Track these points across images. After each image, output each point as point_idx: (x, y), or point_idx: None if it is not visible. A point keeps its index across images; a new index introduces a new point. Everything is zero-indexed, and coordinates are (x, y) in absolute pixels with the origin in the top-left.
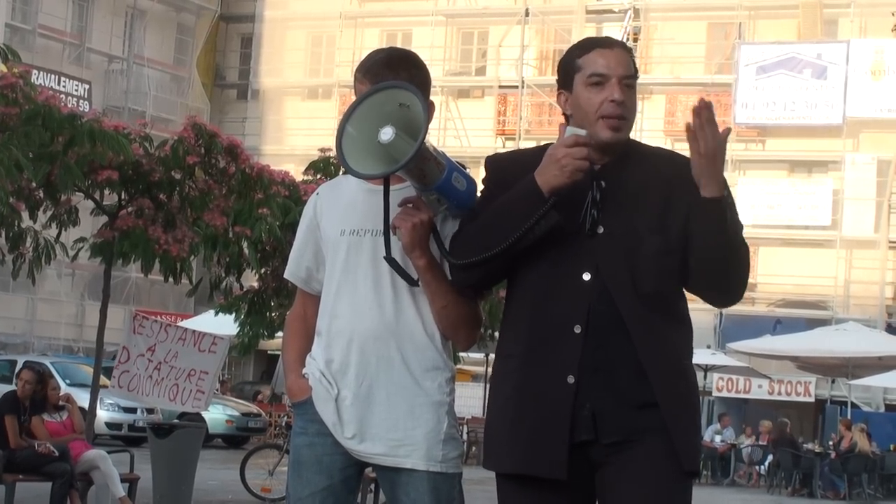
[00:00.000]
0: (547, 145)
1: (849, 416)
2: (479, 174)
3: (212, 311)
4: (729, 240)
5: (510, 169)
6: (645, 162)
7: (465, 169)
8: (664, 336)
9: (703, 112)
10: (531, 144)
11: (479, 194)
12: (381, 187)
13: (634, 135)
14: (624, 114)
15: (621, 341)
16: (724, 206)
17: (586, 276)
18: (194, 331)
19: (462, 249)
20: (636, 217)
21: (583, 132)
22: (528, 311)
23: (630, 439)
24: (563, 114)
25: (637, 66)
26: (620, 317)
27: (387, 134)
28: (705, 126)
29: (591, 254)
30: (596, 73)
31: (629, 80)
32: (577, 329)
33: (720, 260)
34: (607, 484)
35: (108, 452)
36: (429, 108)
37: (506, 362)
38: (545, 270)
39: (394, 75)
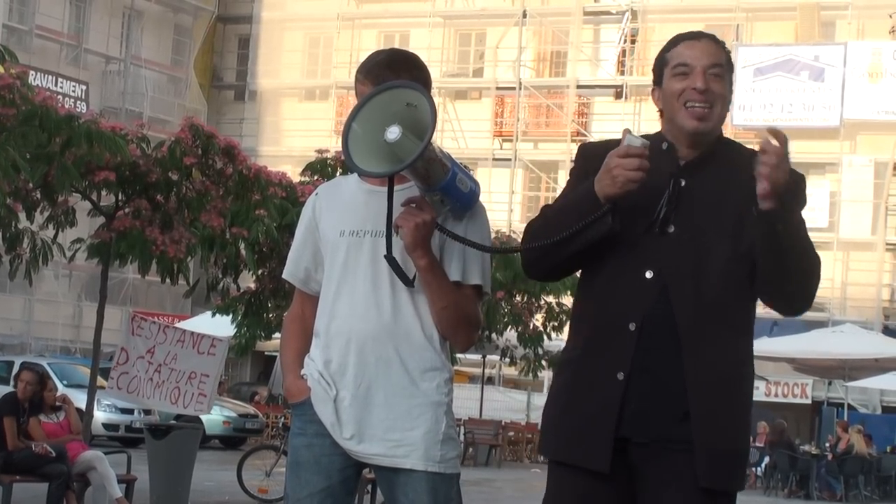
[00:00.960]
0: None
1: (845, 418)
2: (477, 175)
3: (209, 313)
4: (789, 254)
5: (597, 159)
6: (732, 163)
7: (468, 170)
8: (716, 346)
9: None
10: (528, 146)
11: (566, 185)
12: (382, 188)
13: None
14: (709, 100)
15: (672, 345)
16: (787, 223)
17: (648, 275)
18: (193, 332)
19: (528, 236)
20: (710, 220)
21: (638, 143)
22: (591, 305)
23: (665, 447)
24: (659, 110)
25: (730, 57)
26: (675, 319)
27: (393, 133)
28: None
29: (658, 253)
30: (681, 62)
31: (716, 68)
32: (632, 327)
33: (778, 270)
34: (643, 487)
35: (105, 453)
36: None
37: (568, 352)
38: (611, 265)
39: (395, 76)
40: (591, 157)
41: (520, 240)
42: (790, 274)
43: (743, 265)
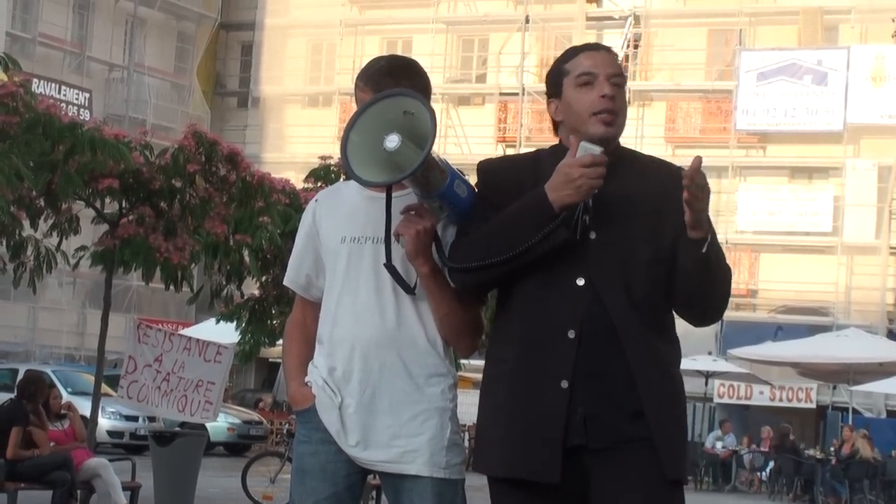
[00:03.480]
0: (538, 150)
1: (850, 423)
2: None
3: (213, 319)
4: (712, 275)
5: (503, 174)
6: (636, 169)
7: (465, 176)
8: (653, 344)
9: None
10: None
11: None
12: (382, 195)
13: (635, 143)
14: (615, 109)
15: (613, 348)
16: (709, 247)
17: (580, 282)
18: (198, 340)
19: (464, 254)
20: (628, 224)
21: (597, 150)
22: (522, 316)
23: (620, 447)
24: (553, 121)
25: (629, 69)
26: (613, 323)
27: (392, 142)
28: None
29: (584, 259)
30: (584, 72)
31: (617, 78)
32: (571, 334)
33: (702, 292)
34: (598, 491)
35: (110, 460)
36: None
37: (498, 366)
38: (539, 275)
39: (395, 83)
40: (496, 172)
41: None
42: (715, 290)
43: (664, 267)
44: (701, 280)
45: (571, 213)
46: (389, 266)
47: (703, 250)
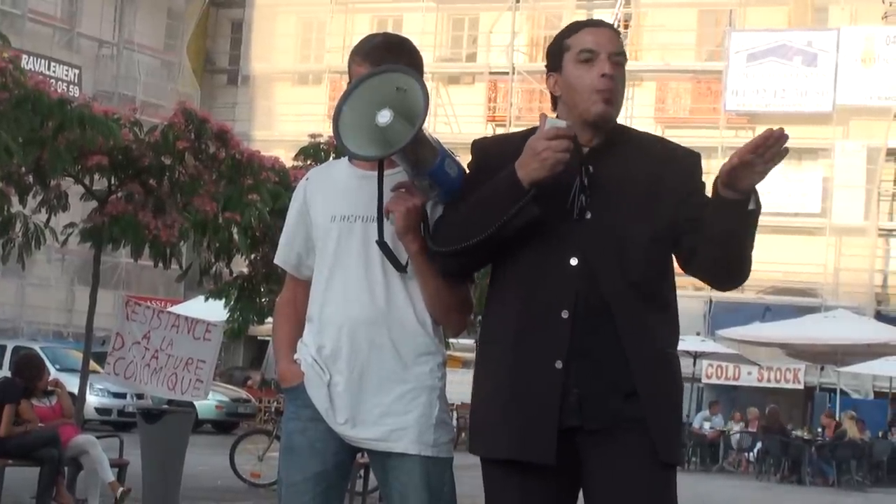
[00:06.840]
0: (534, 129)
1: (838, 404)
2: (468, 160)
3: (202, 297)
4: (752, 235)
5: (496, 153)
6: (633, 147)
7: (455, 155)
8: (649, 324)
9: (778, 142)
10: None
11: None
12: (373, 173)
13: (624, 122)
14: (614, 88)
15: (608, 328)
16: (753, 207)
17: (573, 262)
18: (187, 317)
19: (442, 237)
20: (624, 203)
21: (563, 123)
22: (515, 296)
23: (614, 428)
24: (552, 95)
25: (625, 48)
26: (607, 303)
27: (384, 117)
28: (771, 152)
29: (579, 239)
30: (585, 49)
31: (618, 57)
32: (565, 314)
33: (739, 252)
34: (591, 472)
35: (98, 437)
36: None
37: (492, 348)
38: (532, 255)
39: (394, 59)
40: (489, 152)
41: None
42: (748, 251)
43: (664, 245)
44: (741, 240)
45: (559, 190)
46: (381, 243)
47: (751, 206)
